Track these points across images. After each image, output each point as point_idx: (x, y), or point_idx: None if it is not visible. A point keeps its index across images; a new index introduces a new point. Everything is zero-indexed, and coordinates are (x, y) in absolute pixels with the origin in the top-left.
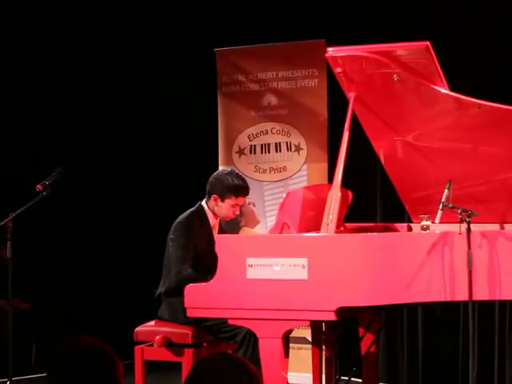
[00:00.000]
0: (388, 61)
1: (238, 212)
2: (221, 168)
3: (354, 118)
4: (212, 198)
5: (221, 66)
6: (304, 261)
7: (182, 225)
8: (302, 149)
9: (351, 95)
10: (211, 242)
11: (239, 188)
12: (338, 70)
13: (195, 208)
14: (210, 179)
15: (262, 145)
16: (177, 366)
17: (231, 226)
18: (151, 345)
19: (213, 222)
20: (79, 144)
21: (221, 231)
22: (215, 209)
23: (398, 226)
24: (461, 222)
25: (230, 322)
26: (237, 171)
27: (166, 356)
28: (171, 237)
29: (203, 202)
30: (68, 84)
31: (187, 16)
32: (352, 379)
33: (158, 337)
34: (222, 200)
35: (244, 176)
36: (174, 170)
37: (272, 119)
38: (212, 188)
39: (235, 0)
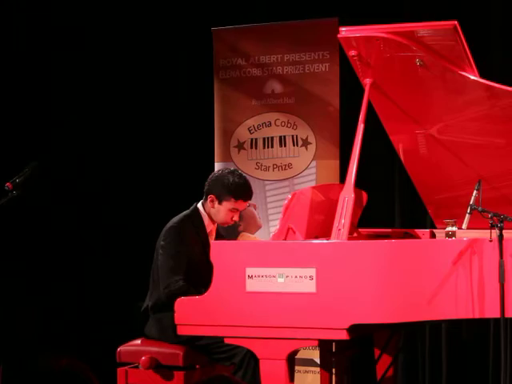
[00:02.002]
0: (409, 42)
1: (236, 218)
2: (217, 165)
3: (370, 107)
4: (209, 199)
5: (218, 47)
6: (312, 271)
7: (174, 230)
8: (310, 143)
9: (367, 82)
10: (206, 249)
11: (240, 190)
12: (353, 52)
13: (189, 211)
14: (209, 177)
15: (264, 138)
16: None
17: (229, 231)
18: (136, 366)
19: (209, 227)
20: (56, 135)
21: (218, 237)
22: (211, 211)
23: (419, 232)
24: (492, 227)
25: (227, 340)
26: (240, 172)
27: (154, 379)
28: (161, 243)
29: (199, 204)
30: (44, 67)
31: None
32: None
33: (144, 357)
34: (220, 202)
35: (244, 174)
36: (163, 168)
37: (276, 109)
38: (210, 187)
39: None
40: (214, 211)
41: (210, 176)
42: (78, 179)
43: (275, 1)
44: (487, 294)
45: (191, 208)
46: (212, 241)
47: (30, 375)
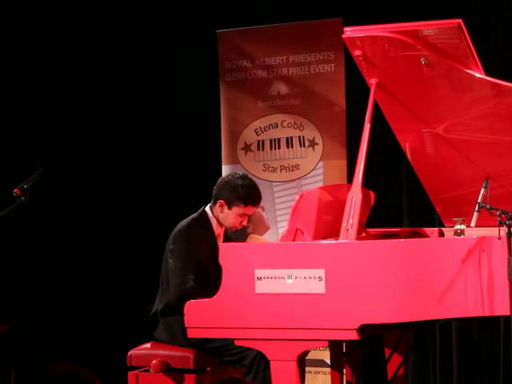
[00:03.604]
0: (414, 42)
1: (245, 223)
2: (224, 167)
3: (376, 107)
4: (218, 204)
5: (223, 50)
6: (321, 272)
7: (183, 233)
8: (316, 144)
9: (372, 82)
10: (215, 252)
11: (250, 196)
12: (358, 53)
13: (197, 214)
14: (218, 182)
15: (271, 140)
16: None
17: (237, 234)
18: (147, 370)
19: (217, 230)
20: (62, 140)
21: (226, 240)
22: (220, 216)
23: (427, 230)
24: (500, 225)
25: (237, 343)
26: (249, 176)
27: (165, 383)
28: (170, 247)
29: (207, 208)
30: (50, 71)
31: None
32: None
33: (154, 361)
34: (229, 207)
35: (251, 176)
36: (171, 171)
37: (282, 110)
38: (219, 192)
39: None
40: (222, 216)
41: (219, 180)
42: (87, 183)
43: (279, 2)
44: (496, 292)
45: (199, 211)
46: (220, 243)
47: (35, 381)
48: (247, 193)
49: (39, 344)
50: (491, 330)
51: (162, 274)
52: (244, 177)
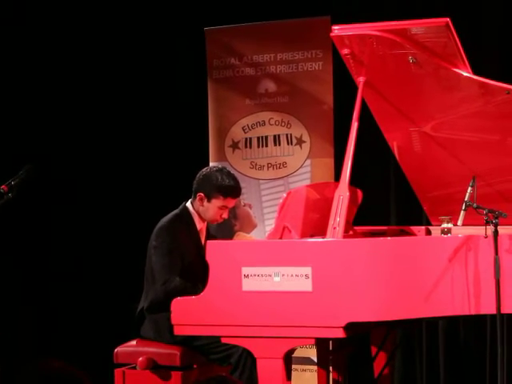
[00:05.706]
0: (402, 40)
1: (225, 215)
2: (212, 164)
3: (364, 106)
4: (197, 197)
5: (211, 47)
6: (308, 270)
7: (165, 229)
8: (304, 142)
9: (360, 80)
10: (199, 248)
11: (229, 187)
12: (346, 51)
13: (179, 210)
14: (197, 176)
15: (258, 138)
16: None
17: (224, 231)
18: (134, 367)
19: (200, 225)
20: (50, 136)
21: (209, 238)
22: (200, 209)
23: (414, 229)
24: (487, 224)
25: (224, 340)
26: (228, 169)
27: (151, 380)
28: (153, 244)
29: (188, 203)
30: (37, 67)
31: None
32: None
33: (141, 358)
34: (209, 200)
35: (239, 173)
36: (158, 168)
37: (270, 108)
38: (198, 186)
39: None
40: (202, 209)
41: (198, 174)
42: (73, 181)
43: (267, 0)
44: (483, 291)
45: (180, 207)
46: (203, 239)
47: (22, 379)
48: (226, 185)
49: (28, 341)
50: (478, 328)
51: (147, 272)
52: (223, 170)
